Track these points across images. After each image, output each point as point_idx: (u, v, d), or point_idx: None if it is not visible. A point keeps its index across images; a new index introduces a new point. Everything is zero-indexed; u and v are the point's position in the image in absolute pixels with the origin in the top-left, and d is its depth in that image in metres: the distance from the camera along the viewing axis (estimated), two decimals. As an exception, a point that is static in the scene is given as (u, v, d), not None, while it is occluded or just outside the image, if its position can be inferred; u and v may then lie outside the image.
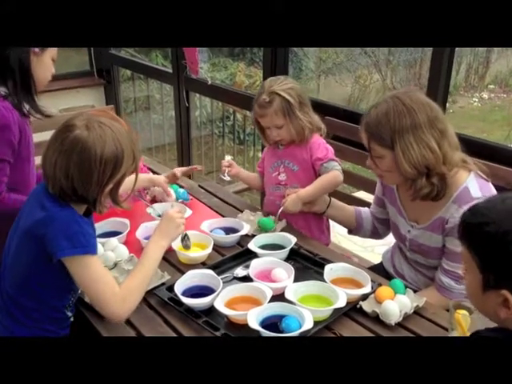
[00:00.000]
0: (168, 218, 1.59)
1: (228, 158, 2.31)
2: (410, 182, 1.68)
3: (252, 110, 2.12)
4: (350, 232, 2.17)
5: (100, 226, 1.94)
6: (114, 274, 1.68)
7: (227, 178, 2.27)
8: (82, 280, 1.39)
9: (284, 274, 1.65)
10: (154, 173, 2.53)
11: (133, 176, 2.02)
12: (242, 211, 2.18)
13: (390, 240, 2.21)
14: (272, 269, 1.68)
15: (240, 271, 1.73)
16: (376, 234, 2.12)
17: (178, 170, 2.33)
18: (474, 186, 1.63)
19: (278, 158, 2.18)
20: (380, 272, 1.90)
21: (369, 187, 2.62)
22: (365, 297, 1.57)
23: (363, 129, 1.70)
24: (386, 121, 1.61)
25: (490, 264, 1.03)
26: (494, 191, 1.66)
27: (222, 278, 1.64)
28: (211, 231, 1.94)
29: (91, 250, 1.38)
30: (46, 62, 1.85)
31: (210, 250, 1.81)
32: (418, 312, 1.53)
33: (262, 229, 1.98)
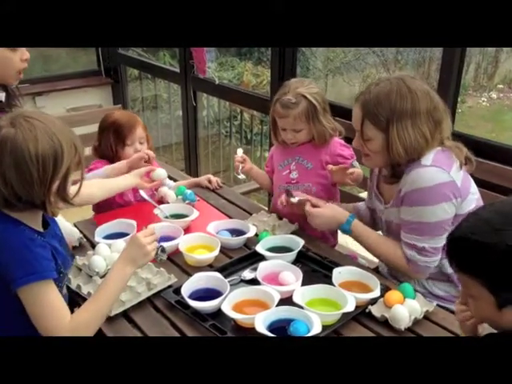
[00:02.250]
0: (135, 244, 1.44)
1: (240, 152, 2.27)
2: (389, 167, 1.69)
3: (271, 109, 2.08)
4: None
5: (107, 228, 1.94)
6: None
7: (242, 177, 2.24)
8: (32, 308, 1.30)
9: (292, 277, 1.63)
10: (171, 178, 2.53)
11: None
12: (249, 212, 2.17)
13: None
14: (280, 272, 1.66)
15: (247, 274, 1.72)
16: (375, 227, 2.07)
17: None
18: (428, 157, 1.63)
19: (288, 155, 2.15)
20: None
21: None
22: (374, 301, 1.55)
23: (359, 105, 1.65)
24: (387, 101, 1.59)
25: (500, 283, 1.00)
26: (450, 170, 1.61)
27: (229, 281, 1.62)
28: (217, 233, 1.93)
29: (45, 275, 1.30)
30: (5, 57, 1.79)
31: (217, 252, 1.79)
32: (427, 317, 1.51)
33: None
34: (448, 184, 1.59)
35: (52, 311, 1.31)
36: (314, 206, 1.86)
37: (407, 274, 1.74)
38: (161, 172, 2.12)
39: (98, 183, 1.91)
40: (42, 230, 1.40)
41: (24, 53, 1.83)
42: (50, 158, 1.25)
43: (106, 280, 1.42)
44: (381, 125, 1.61)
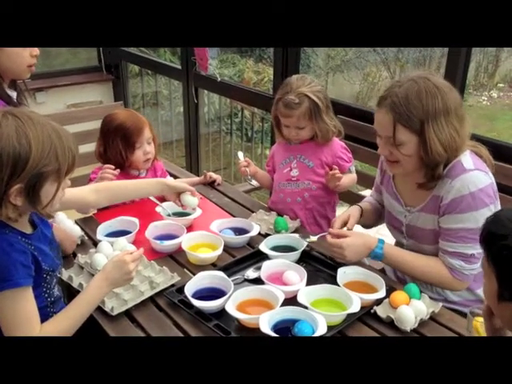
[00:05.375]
0: (122, 269, 1.43)
1: (241, 155, 2.23)
2: (424, 170, 1.62)
3: (273, 107, 2.08)
4: (368, 227, 2.07)
5: (109, 225, 1.93)
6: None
7: (254, 183, 2.18)
8: (2, 316, 1.28)
9: (296, 276, 1.62)
10: (172, 176, 2.51)
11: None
12: (252, 211, 2.15)
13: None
14: (284, 271, 1.65)
15: (251, 273, 1.70)
16: (381, 220, 2.05)
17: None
18: (468, 160, 1.60)
19: (290, 154, 2.17)
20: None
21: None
22: (379, 301, 1.53)
23: (387, 110, 1.56)
24: (419, 101, 1.52)
25: (506, 278, 0.99)
26: (488, 171, 1.61)
27: (232, 280, 1.61)
28: (220, 231, 1.91)
29: (19, 282, 1.27)
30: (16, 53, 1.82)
31: (220, 251, 1.78)
32: (433, 318, 1.50)
33: (276, 228, 1.94)
34: (491, 185, 1.58)
35: (21, 321, 1.29)
36: (337, 236, 1.70)
37: (450, 287, 1.66)
38: (190, 200, 1.95)
39: (99, 187, 1.82)
40: (28, 231, 1.37)
41: (33, 49, 1.86)
42: (9, 159, 1.20)
43: (81, 295, 1.40)
44: (415, 127, 1.54)
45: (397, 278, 1.87)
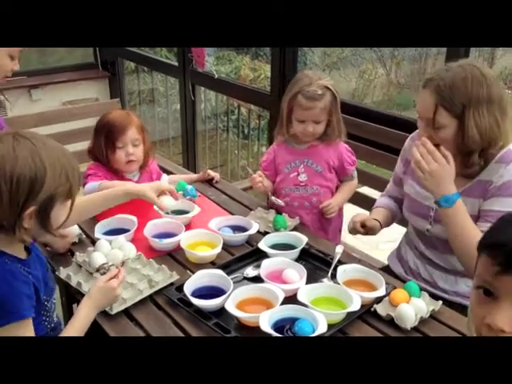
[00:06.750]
0: (106, 291, 1.43)
1: (253, 171, 2.15)
2: (460, 157, 1.62)
3: (287, 102, 2.03)
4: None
5: (107, 223, 1.92)
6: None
7: (281, 203, 2.10)
8: None
9: (296, 275, 1.61)
10: (169, 172, 2.50)
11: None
12: (250, 208, 2.14)
13: (395, 237, 2.17)
14: (283, 269, 1.64)
15: (250, 271, 1.70)
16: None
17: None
18: None
19: (296, 157, 2.13)
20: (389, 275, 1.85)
21: (373, 183, 2.62)
22: (379, 300, 1.53)
23: (431, 92, 1.57)
24: (463, 86, 1.54)
25: None
26: None
27: (232, 278, 1.60)
28: (219, 229, 1.90)
29: (23, 314, 1.23)
30: None
31: (219, 249, 1.77)
32: (433, 316, 1.50)
33: (275, 226, 1.94)
34: None
35: None
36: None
37: None
38: (167, 203, 1.86)
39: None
40: (23, 256, 1.33)
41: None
42: (25, 180, 1.18)
43: (71, 326, 1.37)
44: (456, 111, 1.55)
45: (410, 272, 1.86)
